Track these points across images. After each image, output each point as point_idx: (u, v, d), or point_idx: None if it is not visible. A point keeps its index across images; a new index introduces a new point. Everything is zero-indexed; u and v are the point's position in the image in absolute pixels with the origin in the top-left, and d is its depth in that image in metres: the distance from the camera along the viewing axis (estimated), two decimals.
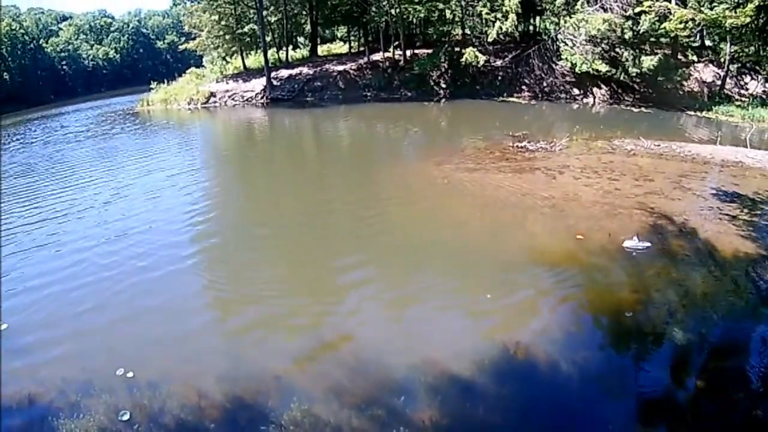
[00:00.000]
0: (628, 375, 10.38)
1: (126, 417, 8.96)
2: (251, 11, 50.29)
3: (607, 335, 11.72)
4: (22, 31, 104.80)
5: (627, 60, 42.65)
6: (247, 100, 47.54)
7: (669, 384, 10.18)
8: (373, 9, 48.19)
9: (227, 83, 49.95)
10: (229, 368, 10.28)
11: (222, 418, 9.07)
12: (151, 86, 52.12)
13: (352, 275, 14.55)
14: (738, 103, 39.59)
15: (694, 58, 45.42)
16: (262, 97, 47.37)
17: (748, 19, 31.87)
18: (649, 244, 15.39)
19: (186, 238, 17.23)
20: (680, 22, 38.49)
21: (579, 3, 43.43)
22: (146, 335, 11.64)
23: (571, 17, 43.62)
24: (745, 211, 18.61)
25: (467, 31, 49.47)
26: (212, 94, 47.98)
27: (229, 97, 47.79)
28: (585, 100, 44.77)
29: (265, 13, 49.89)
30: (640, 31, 41.78)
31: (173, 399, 9.39)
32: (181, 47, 64.97)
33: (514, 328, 11.49)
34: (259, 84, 48.38)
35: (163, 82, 52.37)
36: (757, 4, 26.72)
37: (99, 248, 16.59)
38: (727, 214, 18.16)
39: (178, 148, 30.72)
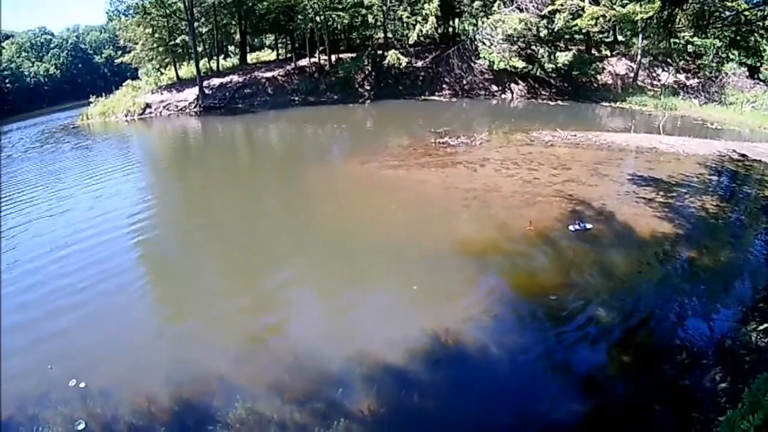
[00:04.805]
0: (556, 355, 10.51)
1: (81, 426, 8.96)
2: (183, 23, 49.51)
3: (534, 318, 11.77)
4: None
5: (543, 56, 43.95)
6: (181, 109, 46.71)
7: (597, 361, 10.36)
8: (299, 17, 48.10)
9: (162, 94, 49.05)
10: (174, 372, 10.11)
11: (171, 422, 9.01)
12: (90, 100, 50.86)
13: (286, 275, 14.44)
14: (651, 93, 41.18)
15: (608, 52, 47.14)
16: (195, 106, 46.64)
17: (652, 12, 33.23)
18: (590, 226, 15.92)
19: (129, 250, 16.53)
20: (592, 19, 39.89)
21: (496, 4, 44.52)
22: (94, 346, 11.33)
23: (488, 18, 44.73)
24: (661, 193, 19.19)
25: (389, 35, 49.88)
26: (148, 105, 46.94)
27: (164, 107, 46.80)
28: (503, 96, 45.90)
29: (196, 24, 49.24)
30: (555, 29, 43.01)
31: (124, 406, 9.29)
32: (118, 61, 63.70)
33: (444, 316, 11.50)
34: (191, 93, 47.85)
35: (102, 96, 50.98)
36: None
37: (47, 262, 15.80)
38: (643, 197, 18.70)
39: (118, 164, 29.08)
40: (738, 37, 40.41)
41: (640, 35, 41.44)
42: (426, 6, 44.44)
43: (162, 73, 55.99)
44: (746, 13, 32.28)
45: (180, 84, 50.75)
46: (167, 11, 50.03)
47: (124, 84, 55.23)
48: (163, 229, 18.75)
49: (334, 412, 8.86)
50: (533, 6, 42.69)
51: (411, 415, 8.96)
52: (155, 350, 11.11)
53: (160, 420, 9.04)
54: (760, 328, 10.15)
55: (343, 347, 10.55)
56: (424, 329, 10.96)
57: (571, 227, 15.86)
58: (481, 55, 44.85)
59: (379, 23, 50.05)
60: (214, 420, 8.89)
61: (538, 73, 44.80)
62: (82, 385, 9.89)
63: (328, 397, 9.27)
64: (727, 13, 36.07)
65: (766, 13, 29.17)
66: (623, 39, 49.05)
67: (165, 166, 31.45)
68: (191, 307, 13.05)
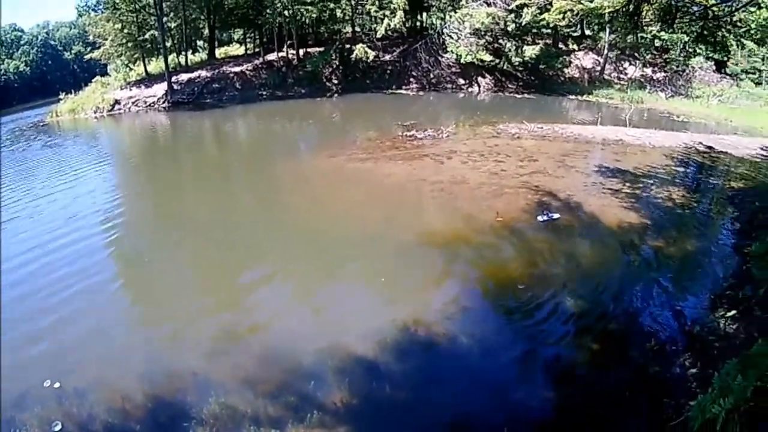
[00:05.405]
0: (526, 344, 10.51)
1: (58, 427, 8.81)
2: (152, 18, 49.48)
3: (503, 308, 11.76)
4: None
5: (510, 50, 44.37)
6: (149, 105, 46.04)
7: (566, 349, 10.33)
8: (268, 11, 48.08)
9: (130, 90, 48.43)
10: (148, 369, 9.97)
11: (146, 419, 8.88)
12: (60, 97, 50.33)
13: (255, 270, 14.26)
14: (617, 86, 41.71)
15: (575, 46, 47.56)
16: (163, 102, 46.02)
17: (619, 5, 33.39)
18: (558, 216, 15.95)
19: (103, 250, 16.02)
20: (560, 13, 40.08)
21: None
22: (68, 346, 11.06)
23: (456, 12, 45.04)
24: (627, 184, 19.29)
25: (357, 29, 50.02)
26: (117, 102, 46.19)
27: (133, 103, 46.14)
28: (470, 89, 46.20)
29: (165, 19, 48.99)
30: (523, 23, 43.27)
31: (100, 404, 9.14)
32: (87, 57, 63.12)
33: (413, 308, 11.47)
34: (160, 89, 47.28)
35: (71, 93, 50.45)
36: None
37: (20, 264, 15.23)
38: (610, 188, 18.77)
39: (89, 162, 28.34)
40: (705, 32, 40.90)
41: (607, 29, 41.85)
42: (394, 0, 44.40)
43: (131, 69, 55.52)
44: (714, 8, 32.54)
45: (149, 80, 50.28)
46: (137, 6, 49.69)
47: (93, 80, 54.57)
48: (135, 228, 18.39)
49: (306, 405, 8.83)
50: (501, 0, 42.89)
51: (383, 406, 8.94)
52: (129, 349, 10.90)
53: (135, 417, 8.95)
54: (728, 314, 10.20)
55: (314, 340, 10.49)
56: (394, 321, 10.91)
57: (539, 217, 15.85)
58: (448, 49, 45.18)
59: (347, 17, 50.07)
60: (188, 416, 8.80)
61: (505, 67, 45.20)
62: (57, 385, 9.69)
63: (301, 390, 9.22)
64: (695, 8, 36.42)
65: (733, 9, 29.40)
66: (590, 33, 49.55)
67: (135, 163, 30.73)
68: (165, 305, 12.84)
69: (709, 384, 7.33)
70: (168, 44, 51.09)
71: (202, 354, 10.39)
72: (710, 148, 24.56)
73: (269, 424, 8.57)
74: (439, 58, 46.76)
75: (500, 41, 44.63)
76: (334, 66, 48.29)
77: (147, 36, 50.93)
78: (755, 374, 6.44)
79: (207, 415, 8.74)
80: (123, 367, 10.16)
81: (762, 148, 24.71)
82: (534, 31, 45.37)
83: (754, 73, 42.40)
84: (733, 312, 10.26)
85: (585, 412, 8.69)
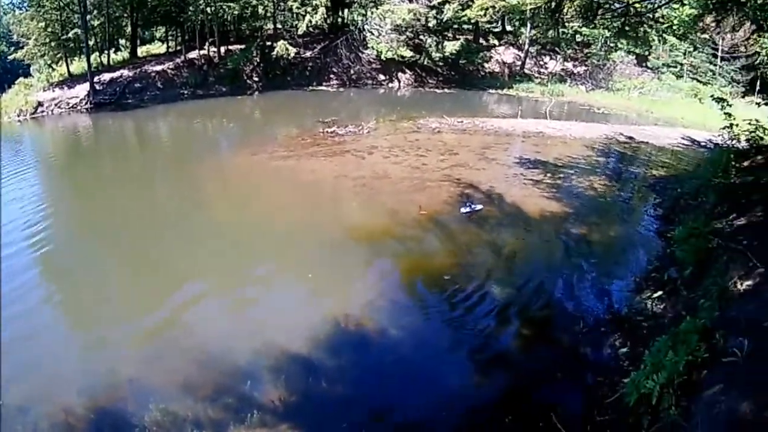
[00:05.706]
0: (456, 333, 10.49)
1: None
2: (76, 16, 47.79)
3: (430, 298, 11.74)
4: None
5: (431, 46, 44.77)
6: (72, 106, 43.92)
7: (496, 336, 10.37)
8: (191, 8, 46.84)
9: (53, 91, 46.00)
10: (87, 382, 9.59)
11: (90, 430, 8.68)
12: None
13: (182, 274, 13.80)
14: (538, 80, 42.51)
15: (496, 41, 48.23)
16: (86, 103, 43.94)
17: (540, 2, 33.86)
18: (480, 207, 15.90)
19: (33, 265, 15.06)
20: (481, 9, 40.55)
21: None
22: (5, 365, 10.36)
23: (377, 8, 44.98)
24: (548, 175, 19.50)
25: (279, 25, 49.22)
26: (40, 104, 43.68)
27: (56, 105, 43.96)
28: (391, 85, 46.41)
29: (88, 17, 47.52)
30: (444, 19, 43.60)
31: (43, 420, 8.84)
32: (11, 57, 61.15)
33: (343, 303, 11.36)
34: (82, 90, 44.95)
35: None
36: None
37: None
38: (531, 179, 18.92)
39: (15, 169, 27.09)
40: (627, 28, 41.92)
41: (529, 25, 42.49)
42: None
43: (53, 69, 53.40)
44: (636, 5, 33.44)
45: (71, 80, 48.20)
46: (61, 3, 47.70)
47: (16, 82, 52.48)
48: (64, 240, 17.35)
49: (246, 406, 8.71)
50: None
51: (321, 401, 8.90)
52: (66, 363, 10.50)
53: (79, 429, 8.72)
54: (655, 295, 10.41)
55: (247, 341, 10.31)
56: (324, 317, 10.79)
57: (462, 209, 15.78)
58: (369, 45, 45.24)
59: (269, 14, 49.40)
60: (131, 424, 8.57)
61: (425, 62, 45.58)
62: None
63: (238, 391, 9.10)
64: (617, 5, 37.43)
65: (655, 6, 30.24)
66: (512, 29, 50.40)
67: (59, 168, 29.13)
68: (97, 316, 12.34)
69: (641, 361, 7.60)
70: (91, 43, 49.38)
71: (139, 361, 10.12)
72: (631, 138, 25.19)
73: (211, 427, 8.50)
74: (360, 54, 46.70)
75: (421, 37, 44.93)
76: (255, 63, 47.53)
77: (70, 35, 49.23)
78: (685, 349, 6.74)
79: (149, 422, 8.55)
80: (62, 382, 9.81)
81: (683, 138, 25.65)
82: (455, 26, 45.94)
83: (675, 67, 43.83)
84: (660, 293, 10.47)
85: (521, 398, 8.79)
